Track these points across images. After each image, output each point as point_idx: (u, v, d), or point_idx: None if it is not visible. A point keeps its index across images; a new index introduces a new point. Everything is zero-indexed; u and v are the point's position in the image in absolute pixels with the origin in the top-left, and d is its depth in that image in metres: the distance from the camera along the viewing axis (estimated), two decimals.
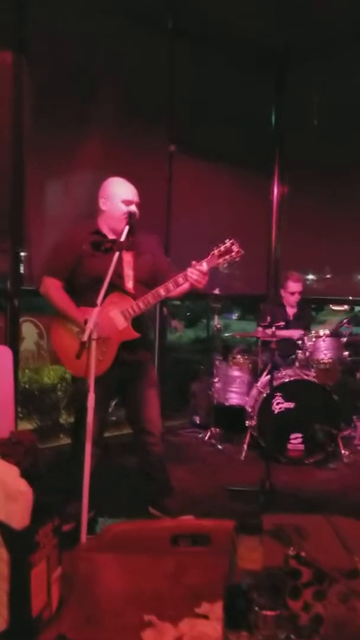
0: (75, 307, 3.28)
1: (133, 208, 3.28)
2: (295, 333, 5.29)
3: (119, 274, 3.27)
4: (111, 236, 3.34)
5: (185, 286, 3.20)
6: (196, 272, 3.10)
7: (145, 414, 3.52)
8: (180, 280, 3.15)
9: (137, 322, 3.32)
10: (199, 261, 3.12)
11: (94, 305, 2.98)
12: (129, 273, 3.34)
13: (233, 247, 3.09)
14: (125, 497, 3.87)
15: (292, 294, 5.61)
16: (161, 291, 3.20)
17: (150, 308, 3.32)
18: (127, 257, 3.34)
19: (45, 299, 3.43)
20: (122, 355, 3.31)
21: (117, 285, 3.23)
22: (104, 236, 3.35)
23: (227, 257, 3.10)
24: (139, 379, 3.50)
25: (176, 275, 3.17)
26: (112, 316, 3.24)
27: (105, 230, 3.37)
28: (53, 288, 3.36)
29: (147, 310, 3.34)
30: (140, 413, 3.53)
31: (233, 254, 3.09)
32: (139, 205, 3.34)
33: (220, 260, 3.11)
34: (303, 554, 1.27)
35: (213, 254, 3.10)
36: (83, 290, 3.29)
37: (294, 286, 5.61)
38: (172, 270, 3.33)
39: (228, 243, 3.10)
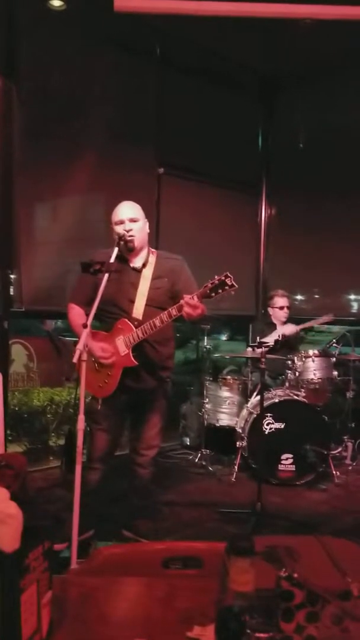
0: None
1: (122, 229, 3.30)
2: (288, 328, 5.31)
3: (129, 299, 3.34)
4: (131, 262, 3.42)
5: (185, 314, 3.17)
6: (186, 306, 3.06)
7: (140, 437, 3.58)
8: (174, 312, 3.15)
9: (144, 350, 3.35)
10: (191, 295, 3.09)
11: (108, 329, 3.30)
12: (141, 298, 3.36)
13: (227, 280, 3.00)
14: (117, 519, 3.84)
15: (281, 308, 5.63)
16: (156, 322, 3.21)
17: (155, 335, 3.30)
18: (144, 281, 3.37)
19: None
20: (126, 382, 3.35)
21: (125, 311, 3.33)
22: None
23: (220, 290, 3.02)
24: (144, 405, 3.54)
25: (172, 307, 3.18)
26: (117, 342, 3.31)
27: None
28: (72, 313, 3.45)
29: (160, 338, 3.38)
30: (136, 436, 3.60)
31: (227, 287, 3.01)
32: (134, 221, 3.35)
33: (213, 294, 3.04)
34: (295, 575, 1.26)
35: (206, 287, 3.05)
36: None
37: (281, 301, 5.64)
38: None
39: (222, 276, 3.01)
